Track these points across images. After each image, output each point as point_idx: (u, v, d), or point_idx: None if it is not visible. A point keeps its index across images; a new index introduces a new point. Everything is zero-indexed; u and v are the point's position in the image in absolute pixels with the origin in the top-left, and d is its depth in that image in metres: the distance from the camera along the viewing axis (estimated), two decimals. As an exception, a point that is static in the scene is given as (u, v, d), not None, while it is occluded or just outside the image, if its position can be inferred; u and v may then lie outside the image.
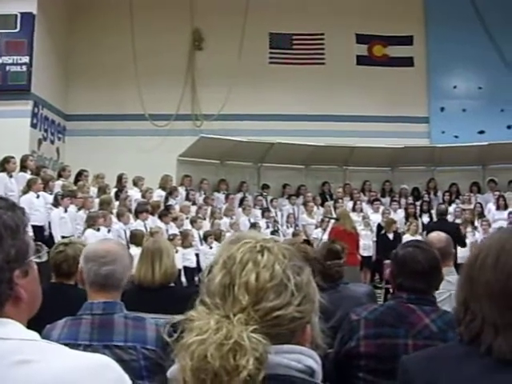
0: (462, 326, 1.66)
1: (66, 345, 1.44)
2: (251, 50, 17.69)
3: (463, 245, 12.16)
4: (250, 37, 17.61)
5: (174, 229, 13.09)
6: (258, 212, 15.60)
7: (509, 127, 17.99)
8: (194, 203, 15.12)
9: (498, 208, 15.77)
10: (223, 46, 17.51)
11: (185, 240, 12.67)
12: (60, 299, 3.59)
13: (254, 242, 1.49)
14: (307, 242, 14.77)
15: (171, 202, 14.57)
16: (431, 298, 3.18)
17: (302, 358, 1.44)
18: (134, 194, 14.49)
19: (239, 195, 16.26)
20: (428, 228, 12.94)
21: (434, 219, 14.63)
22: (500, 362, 1.54)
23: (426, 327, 3.03)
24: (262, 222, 15.00)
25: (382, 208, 16.01)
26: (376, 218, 15.51)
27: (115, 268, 2.96)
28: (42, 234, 11.49)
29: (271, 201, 16.19)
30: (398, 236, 14.06)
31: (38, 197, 11.76)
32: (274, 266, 1.43)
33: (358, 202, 16.00)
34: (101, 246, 3.09)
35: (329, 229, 13.18)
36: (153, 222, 12.96)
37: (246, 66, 17.37)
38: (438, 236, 4.65)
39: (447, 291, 3.88)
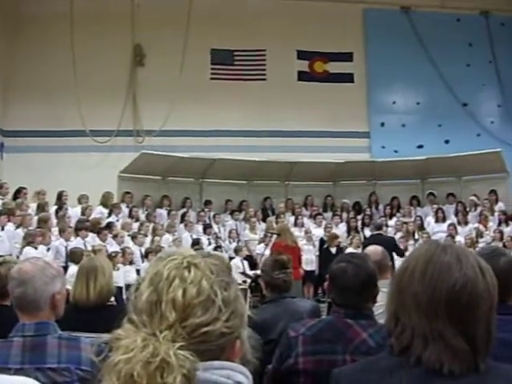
0: (392, 337, 1.67)
1: (-4, 369, 1.39)
2: (193, 65, 17.69)
3: (402, 255, 12.32)
4: (191, 52, 17.63)
5: (115, 246, 12.94)
6: (201, 228, 15.52)
7: (446, 141, 18.39)
8: (136, 220, 14.98)
9: (437, 220, 16.07)
10: (165, 61, 17.46)
11: (125, 257, 12.54)
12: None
13: (181, 258, 1.47)
14: (250, 257, 14.85)
15: (113, 219, 14.41)
16: (368, 312, 3.19)
17: (232, 373, 1.43)
18: (75, 211, 14.31)
19: (182, 211, 16.14)
20: (364, 243, 13.11)
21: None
22: (429, 372, 1.57)
23: (364, 342, 3.02)
24: (205, 238, 14.94)
25: (324, 222, 16.12)
26: (318, 233, 15.62)
27: (24, 290, 2.86)
28: (-22, 254, 11.22)
29: (214, 216, 16.15)
30: (340, 250, 14.11)
31: (-28, 215, 11.50)
32: (201, 281, 1.42)
33: (300, 217, 16.12)
34: (18, 267, 3.00)
35: (271, 244, 13.20)
36: (93, 239, 12.79)
37: (187, 82, 17.33)
38: (374, 249, 4.70)
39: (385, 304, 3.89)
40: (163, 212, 15.99)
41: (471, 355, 1.57)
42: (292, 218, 16.22)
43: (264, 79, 18.52)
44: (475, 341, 1.58)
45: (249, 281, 13.45)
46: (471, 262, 1.63)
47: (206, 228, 15.41)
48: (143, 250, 13.49)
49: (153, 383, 1.29)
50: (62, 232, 12.42)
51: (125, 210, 15.25)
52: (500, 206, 16.30)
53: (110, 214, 14.66)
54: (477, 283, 1.60)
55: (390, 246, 11.87)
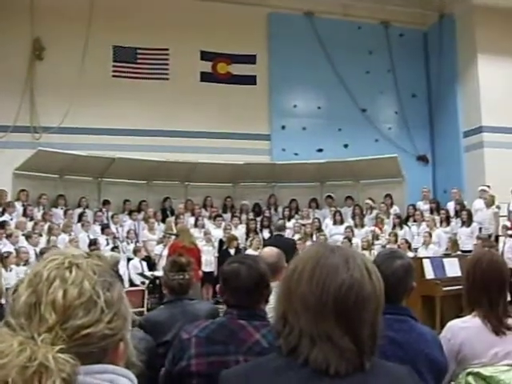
0: (281, 338, 1.67)
1: None
2: (94, 62, 17.34)
3: None
4: (93, 48, 17.27)
5: (8, 246, 12.51)
6: (98, 228, 15.23)
7: (346, 146, 18.83)
8: (31, 219, 14.53)
9: (334, 223, 16.42)
10: (65, 56, 17.00)
11: (19, 257, 12.14)
12: None
13: (62, 258, 1.42)
14: (148, 258, 14.71)
15: (6, 217, 13.93)
16: (261, 312, 3.18)
17: (115, 377, 1.39)
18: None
19: (78, 210, 15.77)
20: (265, 243, 13.20)
21: (275, 234, 14.94)
22: (316, 372, 1.59)
23: (257, 343, 3.02)
24: (102, 239, 14.67)
25: (223, 223, 16.16)
26: (218, 234, 15.66)
27: None
28: None
29: (112, 216, 15.87)
30: (239, 251, 14.21)
31: None
32: (83, 282, 1.38)
33: (200, 218, 16.10)
34: None
35: (169, 245, 13.13)
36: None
37: (88, 79, 16.98)
38: (269, 251, 4.72)
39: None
40: (59, 211, 15.57)
41: (357, 355, 1.60)
42: (192, 219, 16.18)
43: (167, 78, 18.37)
44: (361, 341, 1.61)
45: (147, 282, 13.36)
46: (358, 263, 1.66)
47: (104, 228, 15.14)
48: (38, 250, 13.10)
49: None
50: None
51: (19, 208, 14.77)
52: (395, 209, 16.79)
53: (3, 213, 14.17)
54: (363, 285, 1.62)
55: (290, 248, 12.01)
